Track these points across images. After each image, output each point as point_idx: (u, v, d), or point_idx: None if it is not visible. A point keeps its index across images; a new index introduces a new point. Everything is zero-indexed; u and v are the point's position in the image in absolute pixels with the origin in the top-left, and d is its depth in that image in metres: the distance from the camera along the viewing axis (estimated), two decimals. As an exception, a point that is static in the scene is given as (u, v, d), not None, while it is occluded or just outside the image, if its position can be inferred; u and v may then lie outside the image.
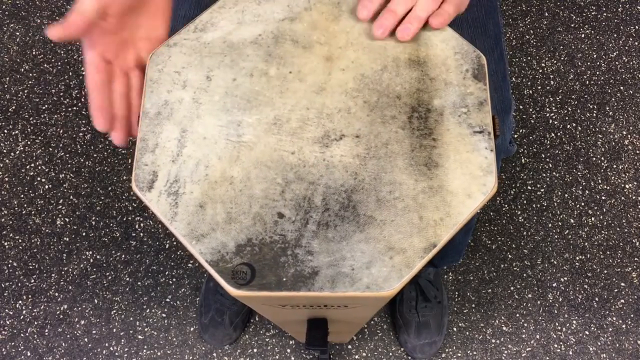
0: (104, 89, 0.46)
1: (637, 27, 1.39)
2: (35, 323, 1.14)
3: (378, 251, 0.42)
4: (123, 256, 1.19)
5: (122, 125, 0.49)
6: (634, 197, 1.23)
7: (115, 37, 0.47)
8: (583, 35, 1.38)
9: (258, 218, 0.43)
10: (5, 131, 1.29)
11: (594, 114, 1.31)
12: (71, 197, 1.23)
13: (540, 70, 1.34)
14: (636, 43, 1.37)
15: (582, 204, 1.23)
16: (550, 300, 1.16)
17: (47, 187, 1.24)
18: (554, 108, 1.31)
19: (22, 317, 1.15)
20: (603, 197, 1.24)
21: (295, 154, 0.45)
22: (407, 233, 0.42)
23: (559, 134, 1.29)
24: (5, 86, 1.33)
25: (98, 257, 1.19)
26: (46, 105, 1.31)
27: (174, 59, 0.48)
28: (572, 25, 1.39)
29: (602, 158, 1.27)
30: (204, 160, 0.44)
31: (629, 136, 1.29)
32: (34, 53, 1.36)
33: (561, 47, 1.37)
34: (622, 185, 1.25)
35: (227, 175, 0.44)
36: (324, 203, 0.43)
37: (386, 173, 0.44)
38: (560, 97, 1.32)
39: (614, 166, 1.26)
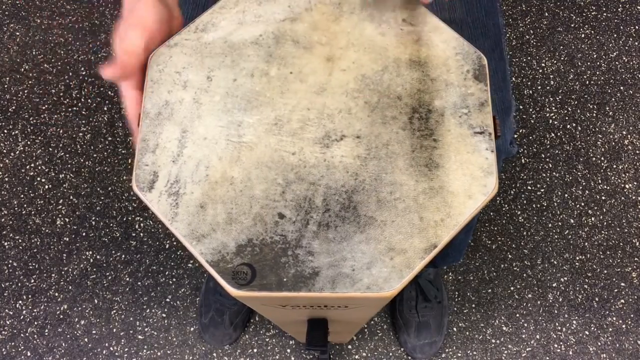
0: None
1: (637, 27, 1.39)
2: (35, 323, 1.14)
3: (379, 252, 0.41)
4: (123, 256, 1.19)
5: None
6: (634, 197, 1.23)
7: None
8: (583, 35, 1.38)
9: (259, 218, 0.43)
10: (5, 131, 1.29)
11: (594, 114, 1.31)
12: (71, 197, 1.23)
13: (540, 70, 1.34)
14: (636, 43, 1.37)
15: (582, 204, 1.23)
16: (550, 300, 1.16)
17: (47, 187, 1.24)
18: (554, 108, 1.31)
19: (22, 317, 1.15)
20: (603, 197, 1.24)
21: (295, 154, 0.45)
22: (408, 234, 0.42)
23: (559, 134, 1.29)
24: (5, 86, 1.33)
25: (98, 257, 1.19)
26: (46, 105, 1.31)
27: (174, 59, 0.48)
28: (572, 25, 1.39)
29: (602, 158, 1.27)
30: (204, 161, 0.44)
31: (629, 136, 1.29)
32: (34, 53, 1.36)
33: (561, 47, 1.37)
34: (622, 185, 1.25)
35: (228, 175, 0.44)
36: (324, 204, 0.43)
37: (387, 174, 0.44)
38: (560, 97, 1.32)
39: (614, 166, 1.26)
